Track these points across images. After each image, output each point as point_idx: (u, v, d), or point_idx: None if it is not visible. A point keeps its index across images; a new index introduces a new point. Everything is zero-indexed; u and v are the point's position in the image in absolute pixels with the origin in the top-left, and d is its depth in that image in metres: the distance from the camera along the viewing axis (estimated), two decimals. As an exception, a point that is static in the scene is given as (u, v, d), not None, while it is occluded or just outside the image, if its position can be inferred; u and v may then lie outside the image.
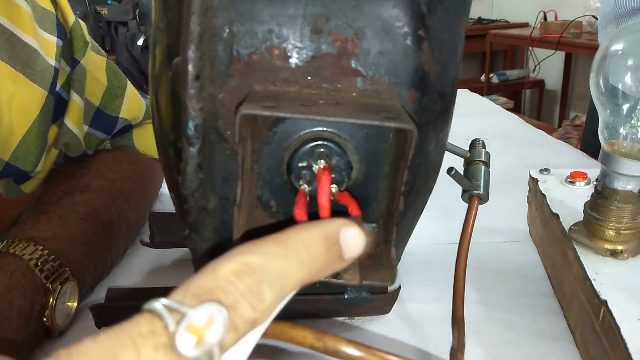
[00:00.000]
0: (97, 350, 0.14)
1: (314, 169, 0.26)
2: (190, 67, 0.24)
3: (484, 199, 0.39)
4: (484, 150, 0.42)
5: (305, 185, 0.26)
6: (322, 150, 0.26)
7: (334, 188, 0.26)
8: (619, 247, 0.35)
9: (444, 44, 0.28)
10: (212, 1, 0.24)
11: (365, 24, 0.25)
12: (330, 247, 0.20)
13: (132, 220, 0.50)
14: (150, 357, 0.14)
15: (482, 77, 3.05)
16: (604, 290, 0.31)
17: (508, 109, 2.36)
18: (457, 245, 0.36)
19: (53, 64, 0.45)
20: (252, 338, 0.18)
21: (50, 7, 0.46)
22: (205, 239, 0.28)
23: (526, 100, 3.21)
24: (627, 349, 0.26)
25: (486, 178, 0.39)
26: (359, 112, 0.23)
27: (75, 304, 0.39)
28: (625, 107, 0.33)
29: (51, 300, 0.37)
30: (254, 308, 0.17)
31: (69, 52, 0.48)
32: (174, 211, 0.33)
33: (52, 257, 0.38)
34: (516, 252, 0.49)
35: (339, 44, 0.25)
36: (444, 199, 0.45)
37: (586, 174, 0.46)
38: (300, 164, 0.26)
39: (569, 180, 0.46)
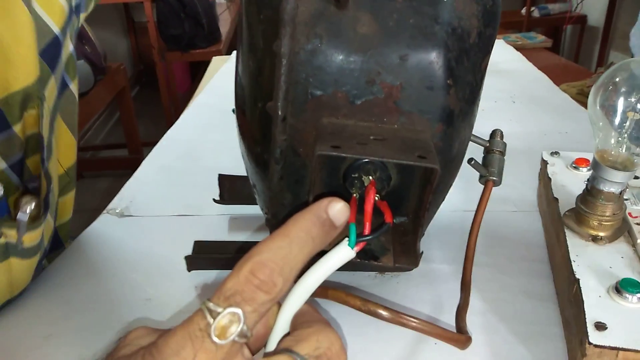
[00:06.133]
0: (172, 343, 0.23)
1: (363, 179, 0.35)
2: (280, 112, 0.33)
3: (497, 183, 0.48)
4: (501, 140, 0.50)
5: (357, 193, 0.35)
6: (369, 166, 0.35)
7: (377, 197, 0.35)
8: (600, 234, 0.43)
9: (468, 84, 0.36)
10: (295, 60, 0.33)
11: (407, 77, 0.33)
12: (323, 223, 0.25)
13: None
14: (199, 345, 0.23)
15: (523, 10, 2.97)
16: (579, 270, 0.40)
17: (546, 48, 2.32)
18: (474, 213, 0.45)
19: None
20: (303, 292, 0.28)
21: None
22: (281, 222, 0.38)
23: (566, 39, 3.14)
24: (584, 317, 0.36)
25: (501, 166, 0.48)
26: (399, 152, 0.32)
27: None
28: (615, 125, 0.41)
29: None
30: (268, 293, 0.24)
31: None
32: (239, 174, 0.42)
33: None
34: (523, 221, 0.58)
35: (387, 90, 0.34)
36: (464, 167, 0.53)
37: (589, 161, 0.54)
38: (353, 175, 0.35)
39: (573, 165, 0.54)
